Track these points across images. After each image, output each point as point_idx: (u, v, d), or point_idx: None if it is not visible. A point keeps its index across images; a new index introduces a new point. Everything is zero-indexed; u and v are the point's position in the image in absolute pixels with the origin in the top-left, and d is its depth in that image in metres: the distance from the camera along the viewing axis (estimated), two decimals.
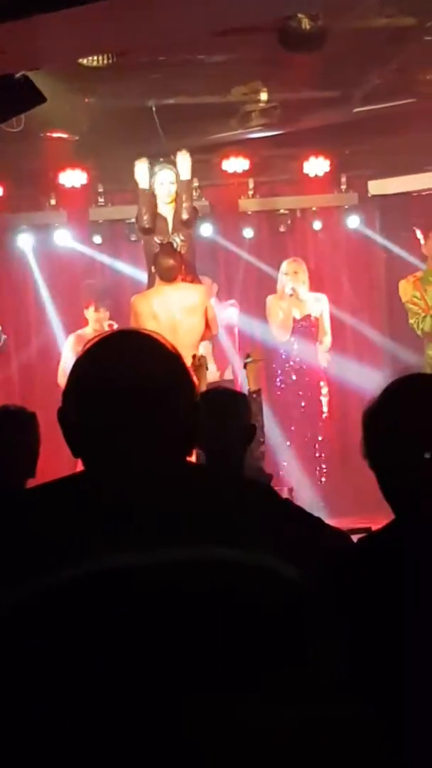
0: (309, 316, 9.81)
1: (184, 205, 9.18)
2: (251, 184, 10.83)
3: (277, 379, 9.90)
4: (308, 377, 9.83)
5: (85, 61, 7.37)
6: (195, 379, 1.98)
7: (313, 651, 1.80)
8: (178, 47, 7.49)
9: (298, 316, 9.79)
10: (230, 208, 10.89)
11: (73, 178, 10.25)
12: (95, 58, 7.34)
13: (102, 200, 10.72)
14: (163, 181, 9.28)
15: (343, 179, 10.86)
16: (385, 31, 7.73)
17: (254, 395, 6.19)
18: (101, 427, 1.83)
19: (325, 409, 9.85)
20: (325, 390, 9.88)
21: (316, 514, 3.22)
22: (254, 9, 5.73)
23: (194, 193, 10.06)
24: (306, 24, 7.02)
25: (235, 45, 7.57)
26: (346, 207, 10.99)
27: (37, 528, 1.79)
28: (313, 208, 11.08)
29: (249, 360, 7.06)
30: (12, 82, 5.86)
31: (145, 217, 9.23)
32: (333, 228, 11.15)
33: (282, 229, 11.00)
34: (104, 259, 10.90)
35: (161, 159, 9.47)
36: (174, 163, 9.32)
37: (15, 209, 10.61)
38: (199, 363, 7.50)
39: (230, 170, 10.39)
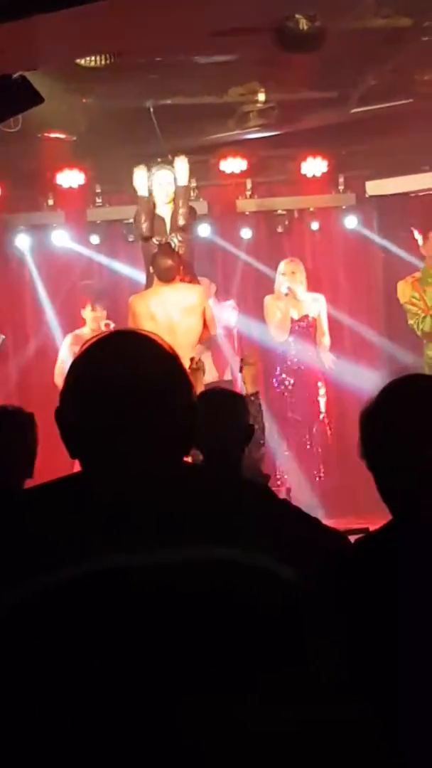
0: (306, 316, 9.81)
1: (181, 210, 9.16)
2: (249, 185, 10.83)
3: (275, 380, 9.90)
4: (306, 378, 9.83)
5: (82, 62, 7.37)
6: (192, 380, 1.99)
7: (311, 651, 1.80)
8: (176, 48, 7.49)
9: (295, 317, 9.78)
10: (228, 208, 10.88)
11: (70, 178, 10.24)
12: (93, 58, 7.34)
13: (100, 201, 10.71)
14: (162, 182, 9.27)
15: (341, 180, 10.86)
16: (382, 31, 7.73)
17: (252, 398, 6.18)
18: (99, 427, 1.83)
19: (322, 409, 9.84)
20: (322, 390, 9.87)
21: (313, 514, 3.22)
22: (253, 9, 5.73)
23: (192, 194, 10.07)
24: (303, 24, 7.02)
25: (233, 45, 7.57)
26: (344, 207, 10.98)
27: (35, 528, 1.79)
28: (311, 209, 11.07)
29: (244, 363, 7.06)
30: (9, 83, 5.85)
31: (144, 225, 9.21)
32: (331, 228, 11.15)
33: (280, 229, 10.99)
34: (102, 259, 10.89)
35: (159, 159, 9.47)
36: (172, 164, 9.32)
37: (12, 209, 10.60)
38: (197, 367, 7.50)
39: (228, 171, 10.38)
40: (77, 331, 9.91)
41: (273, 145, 10.17)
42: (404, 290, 9.48)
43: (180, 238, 9.20)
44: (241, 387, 7.08)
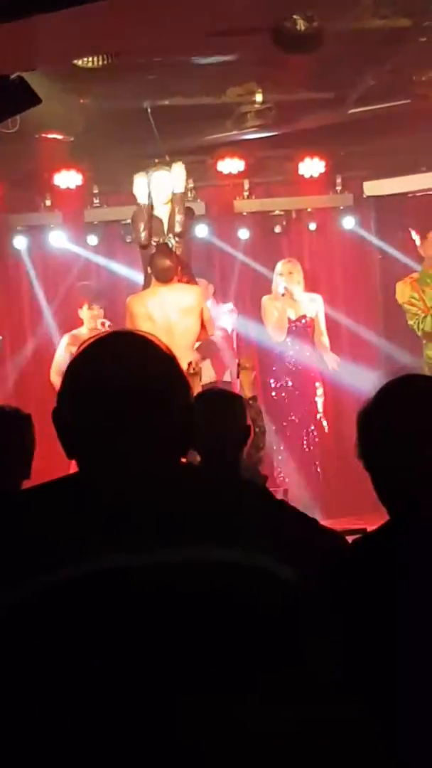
0: (304, 316, 9.81)
1: (178, 217, 9.13)
2: (246, 185, 10.82)
3: (272, 380, 9.90)
4: (303, 378, 9.83)
5: (80, 62, 7.36)
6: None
7: (310, 651, 1.80)
8: (173, 48, 7.49)
9: (293, 317, 9.78)
10: (225, 209, 10.89)
11: (68, 179, 10.24)
12: (90, 59, 7.33)
13: (97, 201, 10.71)
14: (159, 183, 9.26)
15: (339, 180, 10.86)
16: (380, 32, 7.73)
17: (250, 402, 6.19)
18: (98, 427, 1.83)
19: (320, 409, 9.84)
20: (320, 390, 9.88)
21: (311, 515, 3.23)
22: (251, 10, 5.74)
23: (189, 195, 10.07)
24: (301, 25, 7.02)
25: (231, 46, 7.57)
26: (342, 208, 10.98)
27: (34, 529, 1.79)
28: (309, 209, 11.08)
29: (241, 368, 7.08)
30: (7, 83, 5.85)
31: (143, 234, 9.18)
32: (328, 229, 11.15)
33: (277, 230, 10.99)
34: (99, 260, 10.89)
35: (156, 160, 9.46)
36: (169, 164, 9.31)
37: (10, 210, 10.60)
38: (194, 371, 7.51)
39: (225, 171, 10.38)
40: (74, 331, 9.91)
41: (271, 146, 10.17)
42: (403, 291, 9.48)
43: (177, 239, 9.20)
44: (240, 391, 7.09)
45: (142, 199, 9.20)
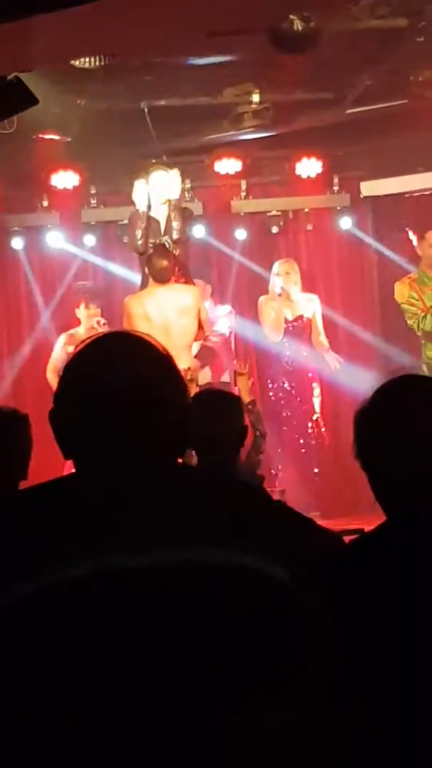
0: (301, 316, 9.81)
1: (174, 224, 9.10)
2: (244, 186, 10.82)
3: (269, 381, 9.91)
4: (301, 378, 9.83)
5: (77, 63, 7.37)
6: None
7: (306, 651, 1.81)
8: (170, 49, 7.48)
9: (290, 317, 9.79)
10: (222, 209, 10.88)
11: (65, 179, 10.24)
12: (87, 59, 7.34)
13: (94, 202, 10.70)
14: (157, 183, 9.24)
15: (336, 180, 10.85)
16: (377, 32, 7.73)
17: (249, 406, 6.20)
18: (97, 427, 1.83)
19: (317, 409, 9.85)
20: (317, 391, 9.88)
21: (308, 515, 3.23)
22: (249, 11, 5.74)
23: (187, 195, 10.06)
24: (298, 25, 7.02)
25: (228, 46, 7.57)
26: (339, 208, 10.97)
27: (32, 529, 1.79)
28: (306, 210, 11.07)
29: (238, 374, 7.10)
30: (4, 84, 5.86)
31: (140, 242, 9.13)
32: (325, 229, 11.15)
33: (274, 230, 10.99)
34: (96, 260, 10.89)
35: (153, 161, 9.45)
36: (167, 165, 9.30)
37: (7, 211, 10.60)
38: (190, 378, 7.51)
39: (222, 171, 10.38)
40: (71, 331, 9.91)
41: (268, 146, 10.17)
42: (402, 291, 9.47)
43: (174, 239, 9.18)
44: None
45: (141, 206, 9.14)
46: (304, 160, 10.46)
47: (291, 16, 6.98)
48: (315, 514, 7.56)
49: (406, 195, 10.90)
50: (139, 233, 9.11)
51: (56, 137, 9.26)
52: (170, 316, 8.60)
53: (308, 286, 10.22)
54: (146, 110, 9.03)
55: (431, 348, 9.47)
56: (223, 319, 10.09)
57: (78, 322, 10.02)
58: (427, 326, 9.34)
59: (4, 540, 1.79)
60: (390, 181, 10.82)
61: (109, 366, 1.86)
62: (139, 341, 1.91)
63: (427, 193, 10.78)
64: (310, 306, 9.90)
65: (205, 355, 9.60)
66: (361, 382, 8.86)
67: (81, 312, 10.00)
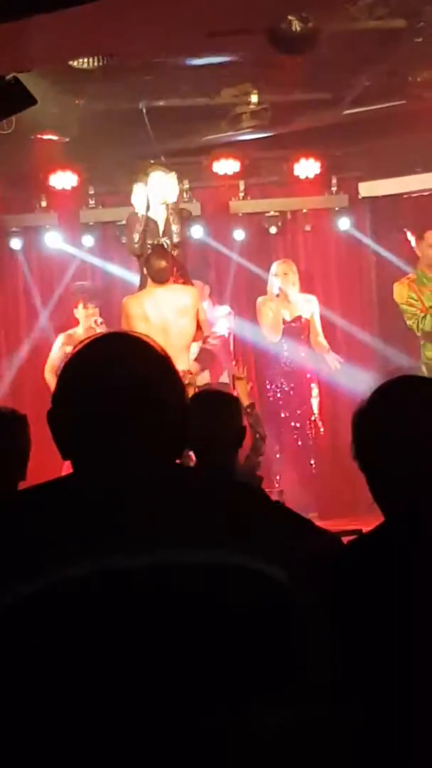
0: (299, 317, 9.81)
1: (174, 227, 9.10)
2: (242, 186, 10.82)
3: (267, 381, 9.91)
4: (299, 379, 9.83)
5: (75, 63, 7.37)
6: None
7: (305, 652, 1.81)
8: (169, 49, 7.48)
9: (288, 318, 9.78)
10: (221, 209, 10.88)
11: (63, 180, 10.24)
12: (86, 59, 7.34)
13: (93, 202, 10.70)
14: (156, 183, 9.24)
15: (334, 181, 10.85)
16: (375, 32, 7.73)
17: (248, 410, 6.21)
18: (95, 428, 1.83)
19: (315, 410, 9.85)
20: (315, 391, 9.88)
21: (306, 516, 3.23)
22: (247, 11, 5.74)
23: (185, 196, 10.06)
24: (296, 26, 7.02)
25: (226, 47, 7.57)
26: (337, 209, 10.98)
27: (32, 530, 1.79)
28: (304, 210, 11.07)
29: (236, 378, 7.12)
30: (3, 84, 5.86)
31: (136, 245, 9.14)
32: (323, 230, 11.15)
33: (273, 230, 10.99)
34: (95, 260, 10.89)
35: (151, 161, 9.45)
36: (165, 165, 9.30)
37: (6, 211, 10.60)
38: (189, 382, 7.51)
39: (221, 172, 10.38)
40: (70, 331, 9.92)
41: (266, 147, 10.17)
42: (401, 291, 9.47)
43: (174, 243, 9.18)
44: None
45: (140, 209, 9.14)
46: (303, 161, 10.46)
47: (289, 17, 6.98)
48: (313, 515, 7.57)
49: (405, 196, 10.90)
50: (136, 236, 9.11)
51: (55, 137, 9.25)
52: (169, 317, 8.60)
53: (306, 286, 10.22)
54: (144, 111, 9.03)
55: (431, 348, 9.47)
56: (222, 320, 10.09)
57: (76, 323, 10.02)
58: (426, 326, 9.34)
59: (4, 540, 1.79)
60: (388, 181, 10.82)
61: (108, 366, 1.86)
62: (137, 342, 1.91)
63: (425, 193, 10.78)
64: (309, 307, 9.89)
65: (205, 358, 9.60)
66: (360, 382, 8.86)
67: (79, 312, 10.00)
